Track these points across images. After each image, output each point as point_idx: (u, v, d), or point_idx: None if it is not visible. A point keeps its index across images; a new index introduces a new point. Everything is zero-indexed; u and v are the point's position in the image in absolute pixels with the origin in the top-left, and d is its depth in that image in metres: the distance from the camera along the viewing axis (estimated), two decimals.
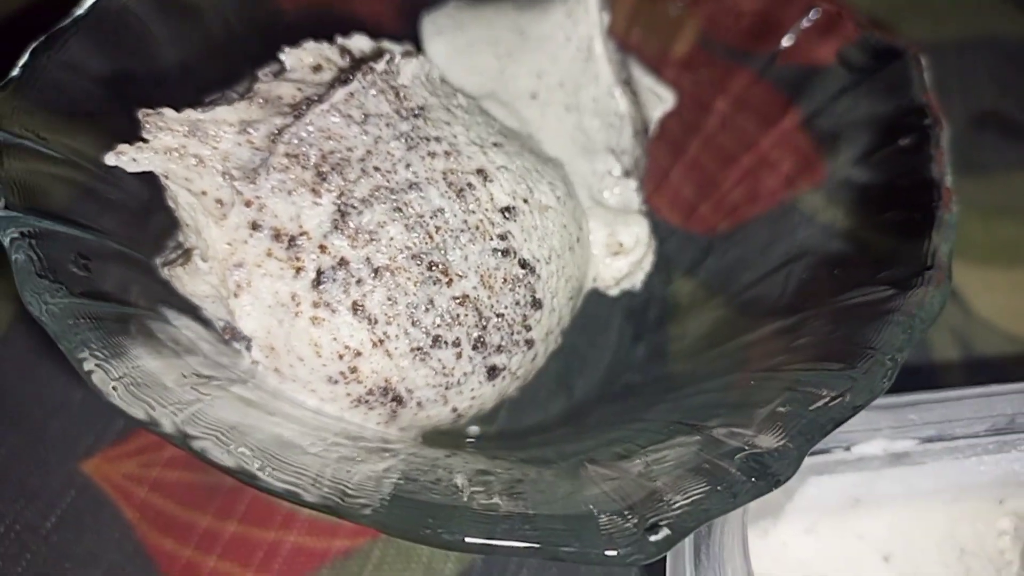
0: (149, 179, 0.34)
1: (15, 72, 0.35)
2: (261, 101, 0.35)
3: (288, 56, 0.36)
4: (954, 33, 0.67)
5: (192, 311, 0.36)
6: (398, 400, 0.35)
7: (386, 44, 0.38)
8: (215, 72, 0.39)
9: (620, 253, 0.41)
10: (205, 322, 0.35)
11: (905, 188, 0.38)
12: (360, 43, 0.37)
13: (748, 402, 0.35)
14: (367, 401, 0.35)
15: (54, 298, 0.29)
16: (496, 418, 0.44)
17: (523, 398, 0.41)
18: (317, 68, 0.36)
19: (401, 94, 0.36)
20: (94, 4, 0.38)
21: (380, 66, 0.35)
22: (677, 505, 0.29)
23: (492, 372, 0.36)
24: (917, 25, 0.67)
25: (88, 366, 0.28)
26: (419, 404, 0.36)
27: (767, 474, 0.29)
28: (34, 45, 0.35)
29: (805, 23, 0.44)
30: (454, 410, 0.37)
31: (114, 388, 0.28)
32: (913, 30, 0.66)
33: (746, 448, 0.31)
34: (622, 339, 0.47)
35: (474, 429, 0.46)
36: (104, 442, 0.43)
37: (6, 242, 0.30)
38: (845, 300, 0.37)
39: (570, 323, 0.41)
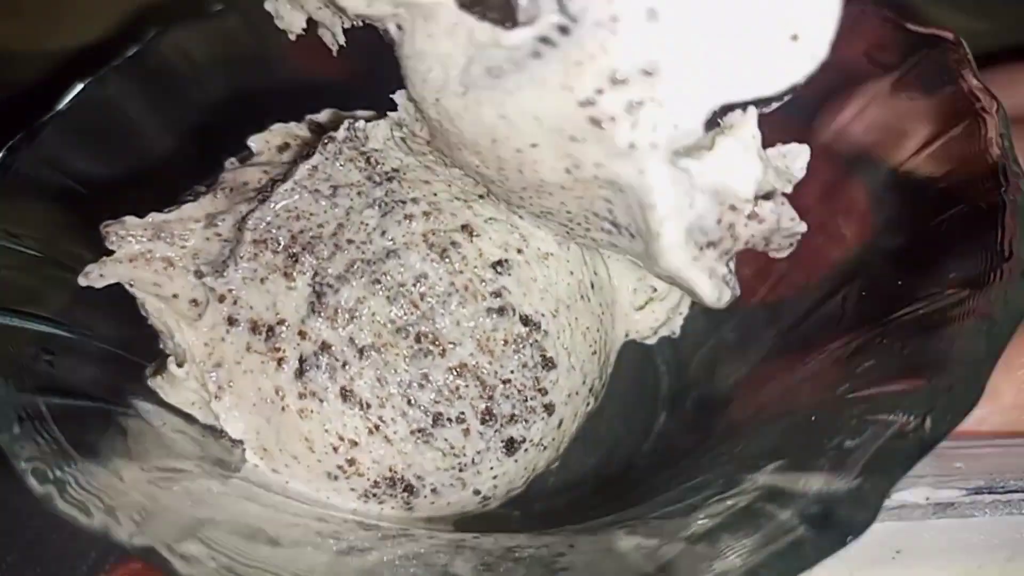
0: None
1: None
2: (228, 191, 0.33)
3: (254, 141, 0.35)
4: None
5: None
6: (409, 490, 0.32)
7: (358, 114, 0.36)
8: (204, 158, 0.38)
9: (654, 299, 0.37)
10: (187, 417, 0.33)
11: (965, 179, 0.33)
12: (328, 116, 0.36)
13: (810, 443, 0.30)
14: (375, 495, 0.32)
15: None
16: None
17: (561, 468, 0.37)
18: (283, 147, 0.35)
19: (372, 159, 0.33)
20: (76, 97, 0.38)
21: (340, 134, 0.32)
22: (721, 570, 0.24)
23: (510, 446, 0.32)
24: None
25: (24, 465, 0.25)
26: (434, 491, 0.32)
27: (836, 523, 0.24)
28: (11, 143, 0.35)
29: None
30: (476, 492, 0.33)
31: (65, 498, 0.25)
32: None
33: (807, 495, 0.26)
34: (666, 391, 0.42)
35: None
36: (108, 560, 0.41)
37: None
38: (912, 312, 0.32)
39: (605, 379, 0.37)
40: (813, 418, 0.31)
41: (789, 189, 0.29)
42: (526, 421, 0.32)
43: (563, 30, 0.25)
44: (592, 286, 0.35)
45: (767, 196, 0.28)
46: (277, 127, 0.35)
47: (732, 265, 0.30)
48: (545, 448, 0.34)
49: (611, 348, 0.36)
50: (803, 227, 0.30)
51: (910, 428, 0.26)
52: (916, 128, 0.36)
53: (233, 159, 0.35)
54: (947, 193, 0.34)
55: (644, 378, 0.44)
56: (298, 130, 0.35)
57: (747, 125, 0.27)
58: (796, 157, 0.29)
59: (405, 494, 0.32)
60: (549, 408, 0.33)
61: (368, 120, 0.33)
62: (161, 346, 0.33)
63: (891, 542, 0.33)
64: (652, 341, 0.38)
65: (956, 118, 0.34)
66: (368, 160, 0.33)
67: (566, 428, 0.35)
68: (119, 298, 0.35)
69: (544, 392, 0.33)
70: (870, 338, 0.33)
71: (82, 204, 0.37)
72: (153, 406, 0.33)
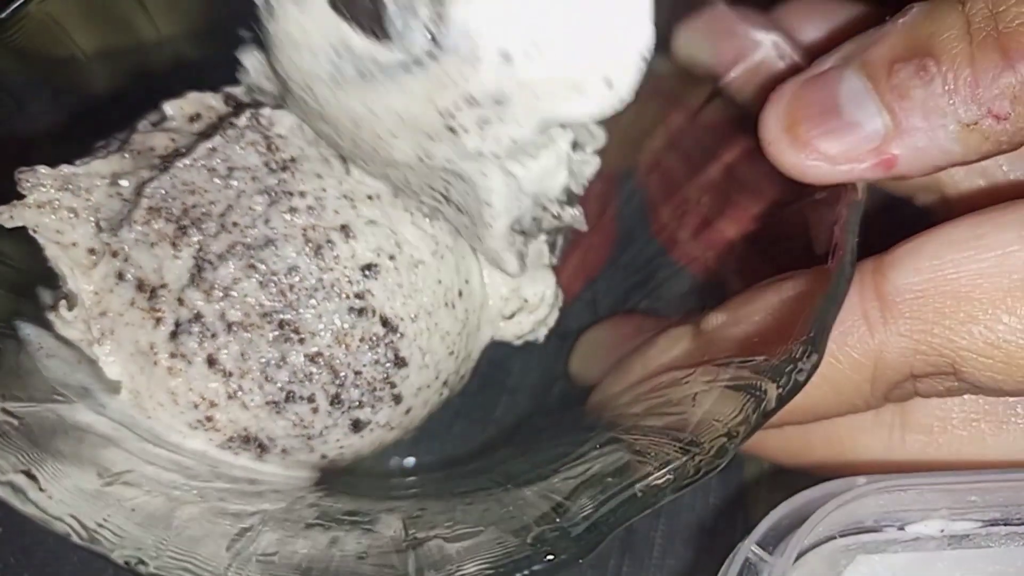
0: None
1: None
2: (136, 152, 0.36)
3: (169, 105, 0.37)
4: None
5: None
6: (261, 447, 0.36)
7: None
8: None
9: (523, 309, 0.40)
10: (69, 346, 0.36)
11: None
12: (244, 91, 0.38)
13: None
14: (230, 447, 0.36)
15: None
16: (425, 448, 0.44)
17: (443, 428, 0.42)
18: (195, 118, 0.37)
19: (274, 145, 0.36)
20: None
21: (242, 121, 0.35)
22: None
23: (357, 425, 0.36)
24: None
25: None
26: (283, 451, 0.37)
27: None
28: None
29: None
30: (323, 456, 0.37)
31: None
32: None
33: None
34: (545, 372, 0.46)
35: (409, 460, 0.47)
36: None
37: None
38: None
39: (465, 373, 0.40)
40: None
41: (581, 192, 0.36)
42: (373, 407, 0.36)
43: (432, 56, 0.29)
44: (460, 294, 0.38)
45: (568, 200, 0.35)
46: (192, 95, 0.37)
47: (528, 246, 0.37)
48: (393, 429, 0.38)
49: (473, 348, 0.40)
50: (584, 227, 0.36)
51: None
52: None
53: (147, 120, 0.37)
54: None
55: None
56: (212, 100, 0.37)
57: (564, 141, 0.33)
58: (587, 165, 0.35)
59: (258, 449, 0.36)
60: (397, 398, 0.37)
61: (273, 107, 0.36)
62: (60, 285, 0.37)
63: (905, 574, 0.35)
64: (517, 343, 0.41)
65: None
66: (269, 146, 0.36)
67: (415, 414, 0.38)
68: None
69: (393, 385, 0.36)
70: None
71: None
72: (34, 328, 0.36)
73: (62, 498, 0.29)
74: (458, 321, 0.38)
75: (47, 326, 0.36)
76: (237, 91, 0.38)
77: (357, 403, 0.36)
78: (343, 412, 0.36)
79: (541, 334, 0.41)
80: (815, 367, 0.29)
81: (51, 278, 0.38)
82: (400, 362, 0.36)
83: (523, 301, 0.40)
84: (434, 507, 0.36)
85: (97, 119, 0.39)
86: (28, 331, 0.36)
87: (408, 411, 0.38)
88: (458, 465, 0.46)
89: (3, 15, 0.38)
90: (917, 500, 0.34)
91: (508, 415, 0.48)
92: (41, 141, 0.39)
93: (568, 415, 0.44)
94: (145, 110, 0.38)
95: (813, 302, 0.31)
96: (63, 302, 0.35)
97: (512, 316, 0.40)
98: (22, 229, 0.35)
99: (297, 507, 0.35)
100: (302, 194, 0.35)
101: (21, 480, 0.29)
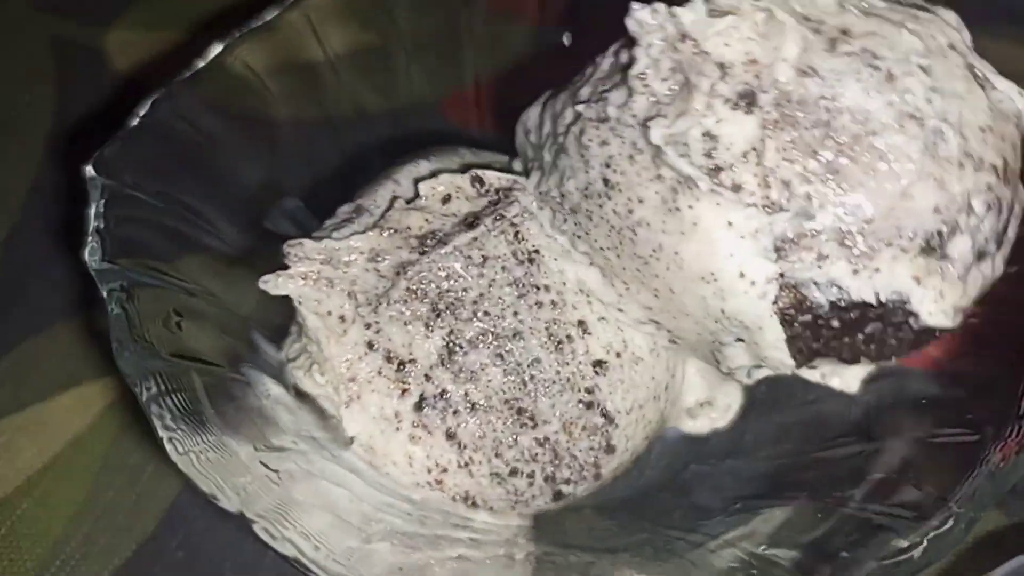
0: (245, 229, 0.39)
1: (133, 122, 0.39)
2: (392, 230, 0.38)
3: (423, 186, 0.39)
4: None
5: (277, 376, 0.39)
6: (473, 504, 0.40)
7: (516, 173, 0.40)
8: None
9: (707, 410, 0.44)
10: (287, 386, 0.39)
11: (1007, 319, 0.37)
12: (491, 175, 0.40)
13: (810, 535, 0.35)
14: (448, 500, 0.40)
15: (145, 360, 0.33)
16: None
17: None
18: (447, 199, 0.39)
19: (520, 234, 0.38)
20: (214, 60, 0.41)
21: (511, 212, 0.37)
22: None
23: (557, 496, 0.40)
24: None
25: (164, 434, 0.31)
26: (491, 509, 0.40)
27: None
28: (154, 96, 0.39)
29: None
30: (520, 515, 0.41)
31: (185, 457, 0.31)
32: None
33: None
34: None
35: None
36: None
37: (105, 294, 0.34)
38: (928, 437, 0.36)
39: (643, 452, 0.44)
40: (819, 515, 0.36)
41: None
42: (576, 483, 0.40)
43: None
44: (666, 388, 0.41)
45: None
46: (444, 176, 0.39)
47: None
48: (584, 495, 0.42)
49: (659, 434, 0.43)
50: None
51: (902, 555, 0.31)
52: None
53: (403, 198, 0.39)
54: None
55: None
56: (460, 181, 0.39)
57: None
58: None
59: (471, 506, 0.40)
60: (597, 476, 0.40)
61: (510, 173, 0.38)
62: (304, 342, 0.39)
63: None
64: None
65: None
66: (516, 234, 0.38)
67: (604, 482, 0.42)
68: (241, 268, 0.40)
69: (598, 467, 0.40)
70: (884, 449, 0.37)
71: (202, 158, 0.42)
72: (261, 375, 0.38)
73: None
74: (659, 411, 0.41)
75: (271, 372, 0.39)
76: (485, 174, 0.40)
77: (565, 480, 0.39)
78: (552, 486, 0.39)
79: (706, 430, 0.44)
80: None
81: (267, 325, 0.40)
82: (610, 449, 0.40)
83: (709, 404, 0.43)
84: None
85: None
86: (255, 377, 0.38)
87: (601, 485, 0.41)
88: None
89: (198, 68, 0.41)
90: None
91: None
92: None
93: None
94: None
95: None
96: (315, 365, 0.38)
97: (695, 414, 0.44)
98: (242, 272, 0.38)
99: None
100: (546, 288, 0.38)
101: (293, 535, 0.32)
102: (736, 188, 0.29)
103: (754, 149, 0.29)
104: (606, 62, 0.33)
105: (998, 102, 0.30)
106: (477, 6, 0.53)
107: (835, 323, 0.33)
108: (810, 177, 0.30)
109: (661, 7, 0.30)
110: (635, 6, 0.30)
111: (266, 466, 0.35)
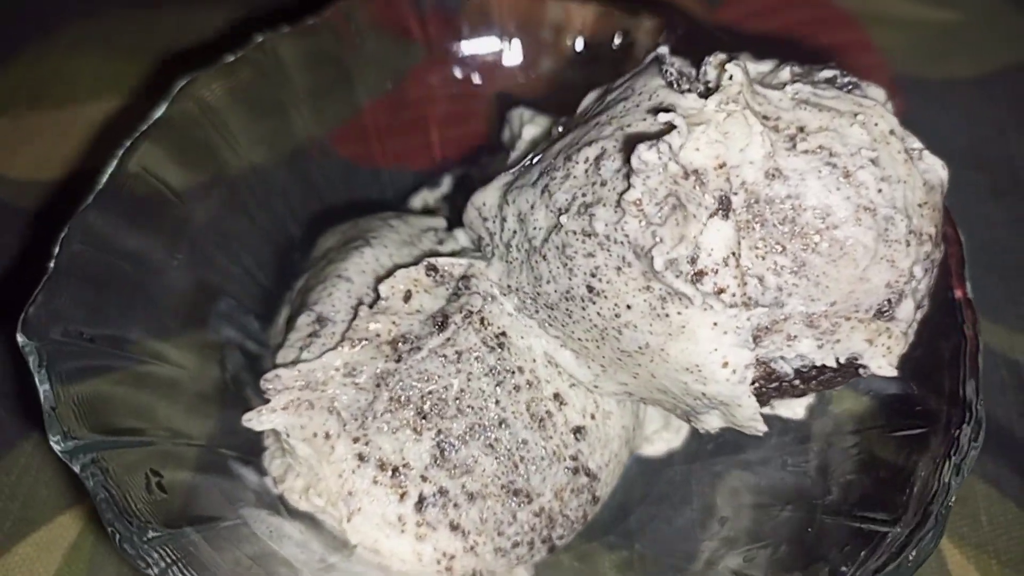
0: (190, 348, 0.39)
1: (49, 268, 0.37)
2: (364, 341, 0.38)
3: (383, 287, 0.38)
4: None
5: (275, 507, 0.39)
6: (480, 574, 0.41)
7: (471, 258, 0.40)
8: None
9: (662, 434, 0.47)
10: (291, 512, 0.39)
11: None
12: (444, 262, 0.40)
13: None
14: None
15: (144, 540, 0.32)
16: None
17: None
18: (408, 296, 0.39)
19: (485, 320, 0.39)
20: (113, 172, 0.40)
21: (476, 305, 0.38)
22: None
23: (552, 549, 0.42)
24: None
25: None
26: (492, 573, 0.42)
27: None
28: (63, 234, 0.38)
29: None
30: (520, 567, 0.43)
31: None
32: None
33: None
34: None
35: None
36: None
37: (78, 469, 0.33)
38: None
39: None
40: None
41: None
42: (568, 535, 0.42)
43: None
44: (633, 429, 0.44)
45: None
46: (400, 273, 0.39)
47: None
48: (572, 537, 0.44)
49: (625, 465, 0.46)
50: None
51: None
52: None
53: (365, 305, 0.38)
54: None
55: None
56: (416, 274, 0.39)
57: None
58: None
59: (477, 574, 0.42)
60: (585, 522, 0.43)
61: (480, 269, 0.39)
62: (291, 461, 0.39)
63: None
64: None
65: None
66: (482, 320, 0.39)
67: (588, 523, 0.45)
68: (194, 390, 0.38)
69: (586, 516, 0.42)
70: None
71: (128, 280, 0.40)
72: (259, 512, 0.38)
73: None
74: (628, 451, 0.44)
75: (265, 503, 0.38)
76: (438, 262, 0.39)
77: (559, 536, 0.42)
78: (548, 544, 0.42)
79: (664, 451, 0.48)
80: None
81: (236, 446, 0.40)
82: (595, 500, 0.42)
83: (664, 428, 0.46)
84: None
85: None
86: (253, 516, 0.38)
87: (586, 528, 0.44)
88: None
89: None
90: None
91: None
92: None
93: None
94: None
95: None
96: (310, 489, 0.38)
97: (653, 440, 0.47)
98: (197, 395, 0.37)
99: None
100: (520, 370, 0.39)
101: None
102: (720, 292, 0.31)
103: (733, 254, 0.31)
104: (579, 168, 0.34)
105: (925, 172, 0.34)
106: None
107: (796, 381, 0.36)
108: (780, 271, 0.32)
109: (665, 148, 0.31)
110: (641, 147, 0.30)
111: None
